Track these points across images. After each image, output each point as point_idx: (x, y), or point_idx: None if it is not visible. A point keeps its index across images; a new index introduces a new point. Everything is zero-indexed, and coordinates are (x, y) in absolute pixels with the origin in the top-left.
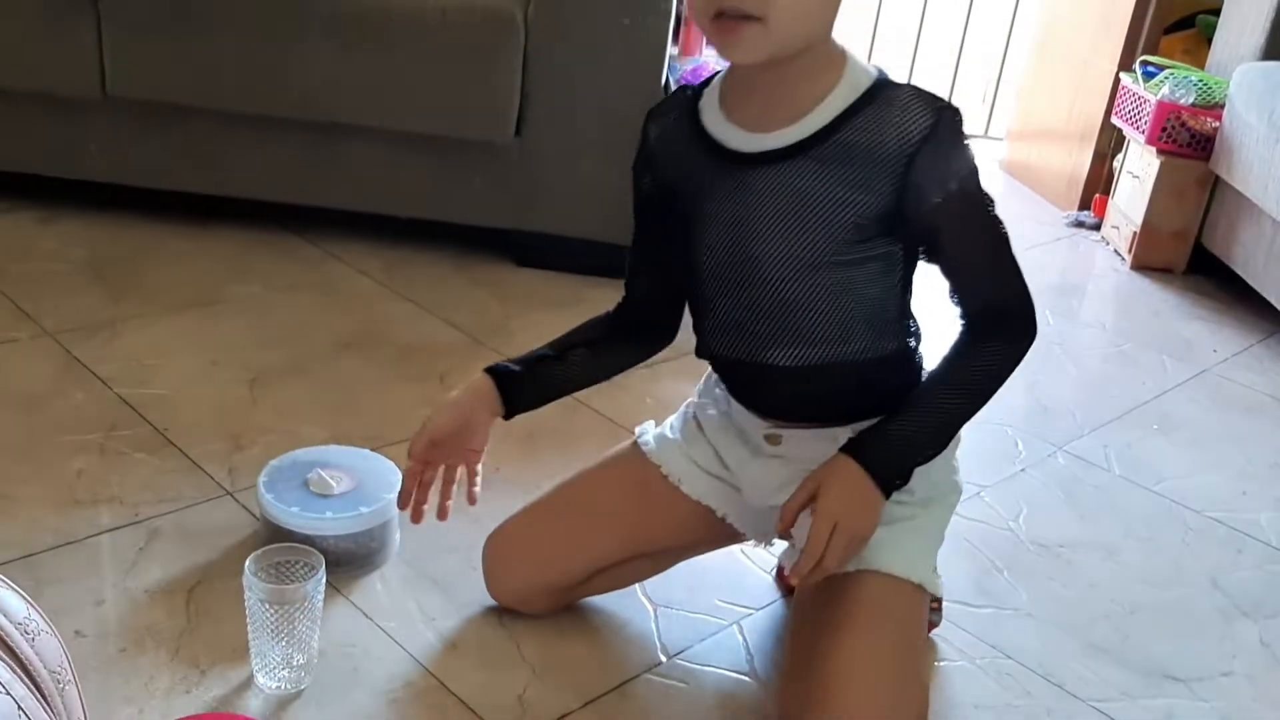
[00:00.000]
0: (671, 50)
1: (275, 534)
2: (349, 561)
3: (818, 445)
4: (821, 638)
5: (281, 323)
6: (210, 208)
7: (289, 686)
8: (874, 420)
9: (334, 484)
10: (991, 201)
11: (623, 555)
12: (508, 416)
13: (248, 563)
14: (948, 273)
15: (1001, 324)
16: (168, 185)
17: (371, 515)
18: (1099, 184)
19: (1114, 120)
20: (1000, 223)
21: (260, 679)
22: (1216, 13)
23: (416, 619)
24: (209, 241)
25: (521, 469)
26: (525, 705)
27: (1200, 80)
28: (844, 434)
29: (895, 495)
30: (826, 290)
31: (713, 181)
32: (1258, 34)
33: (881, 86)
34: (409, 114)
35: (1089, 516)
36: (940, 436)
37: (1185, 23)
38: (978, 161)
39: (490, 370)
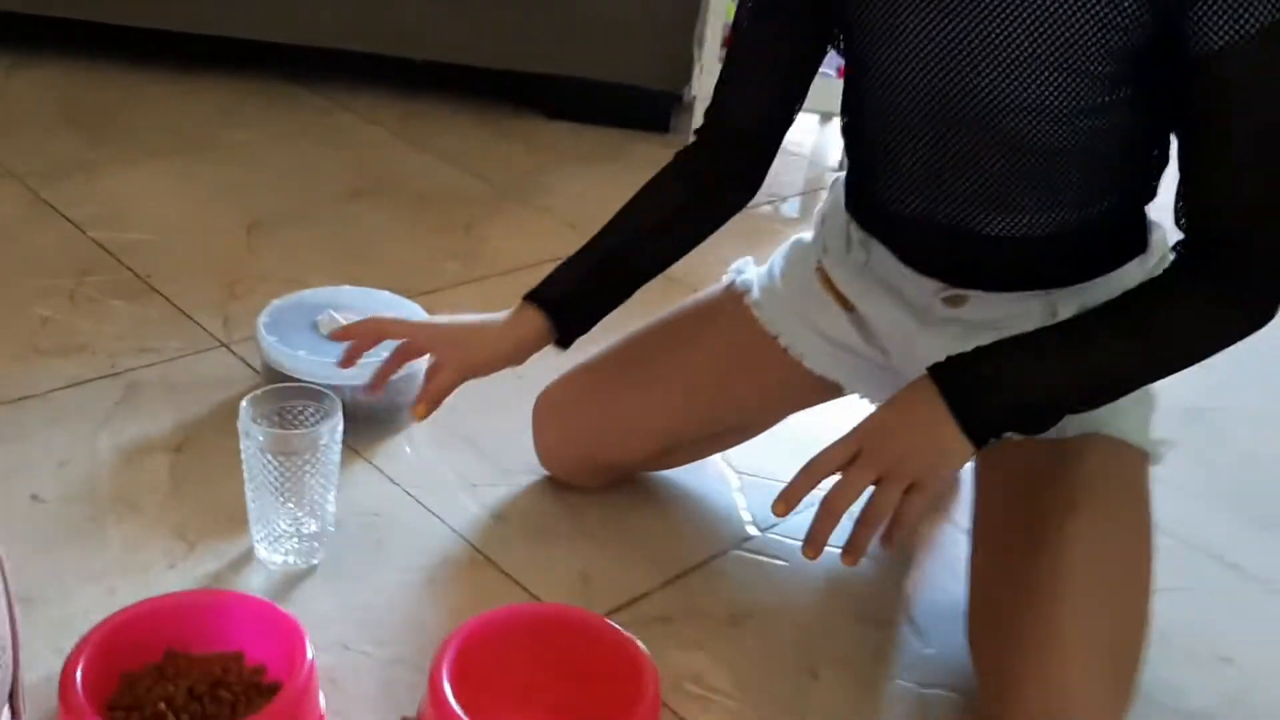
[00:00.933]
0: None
1: (279, 383)
2: (370, 418)
3: (1016, 306)
4: (1035, 531)
5: (282, 169)
6: (199, 51)
7: (298, 560)
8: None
9: None
10: None
11: (704, 432)
12: (564, 347)
13: (243, 405)
14: (1193, 160)
15: (1236, 271)
16: (151, 24)
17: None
18: None
19: None
20: None
21: (262, 551)
22: None
23: (453, 485)
24: (198, 87)
25: None
26: (590, 583)
27: None
28: (1059, 297)
29: None
30: (1067, 142)
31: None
32: None
33: None
34: None
35: (1235, 379)
36: (1082, 387)
37: None
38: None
39: (537, 299)
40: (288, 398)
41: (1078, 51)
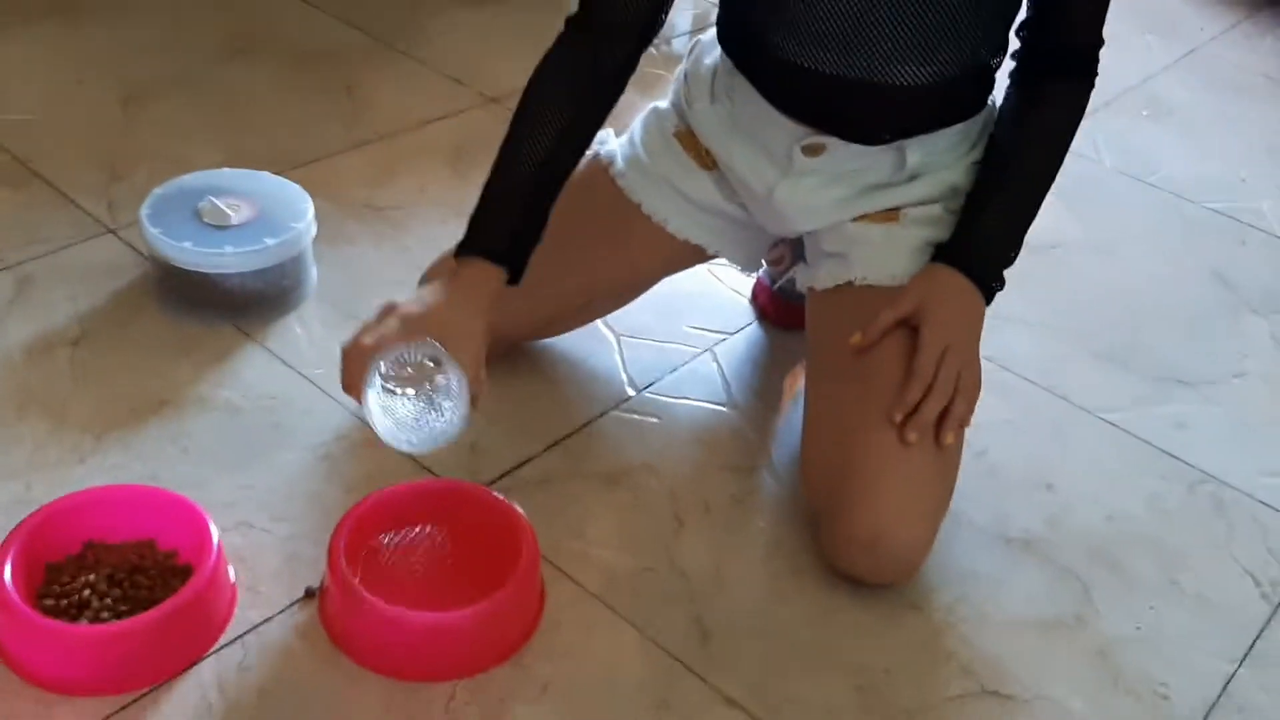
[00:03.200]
0: None
1: (167, 274)
2: (259, 303)
3: (867, 158)
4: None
5: (153, 29)
6: None
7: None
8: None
9: (230, 213)
10: None
11: (579, 300)
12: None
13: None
14: None
15: (1068, 63)
16: None
17: (279, 248)
18: None
19: None
20: None
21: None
22: None
23: None
24: None
25: (451, 189)
26: (479, 453)
27: None
28: (908, 147)
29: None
30: None
31: None
32: None
33: None
34: None
35: (1082, 214)
36: (1033, 211)
37: None
38: None
39: (476, 249)
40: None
41: None
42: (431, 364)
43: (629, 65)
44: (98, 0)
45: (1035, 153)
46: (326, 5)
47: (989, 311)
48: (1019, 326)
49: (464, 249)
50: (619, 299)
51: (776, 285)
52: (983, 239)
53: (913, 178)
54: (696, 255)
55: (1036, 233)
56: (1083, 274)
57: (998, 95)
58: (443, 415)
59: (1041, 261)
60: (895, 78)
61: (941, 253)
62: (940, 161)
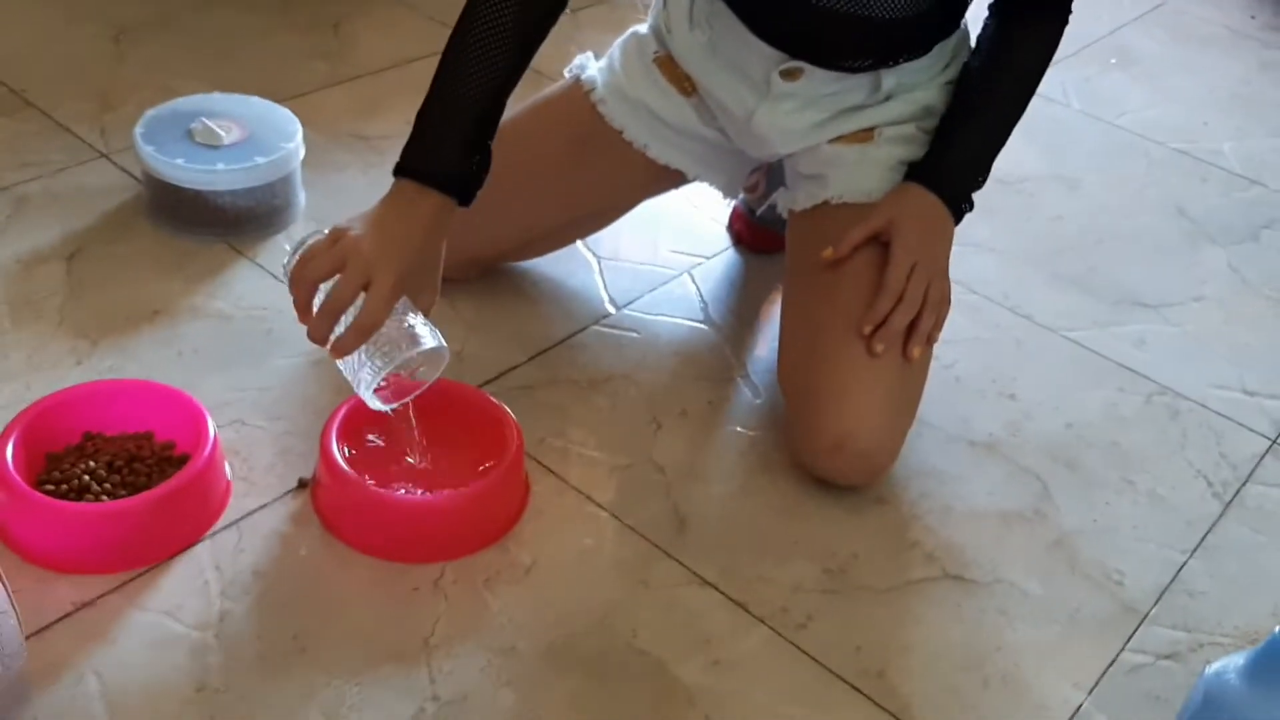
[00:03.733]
0: None
1: (160, 191)
2: (249, 220)
3: (843, 82)
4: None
5: None
6: None
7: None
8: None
9: (222, 133)
10: None
11: (563, 221)
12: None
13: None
14: None
15: (1042, 2)
16: None
17: (269, 167)
18: None
19: None
20: None
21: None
22: None
23: None
24: None
25: None
26: (464, 361)
27: None
28: (882, 74)
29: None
30: None
31: None
32: None
33: None
34: None
35: (1050, 151)
36: (1002, 140)
37: None
38: None
39: (418, 176)
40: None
41: None
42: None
43: None
44: None
45: (1007, 86)
46: None
47: (959, 238)
48: (987, 253)
49: (412, 173)
50: (599, 221)
51: (757, 213)
52: (953, 162)
53: (887, 98)
54: (676, 179)
55: (1005, 166)
56: (1049, 206)
57: (970, 17)
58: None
59: (1009, 193)
60: (874, 10)
61: (913, 172)
62: (914, 82)
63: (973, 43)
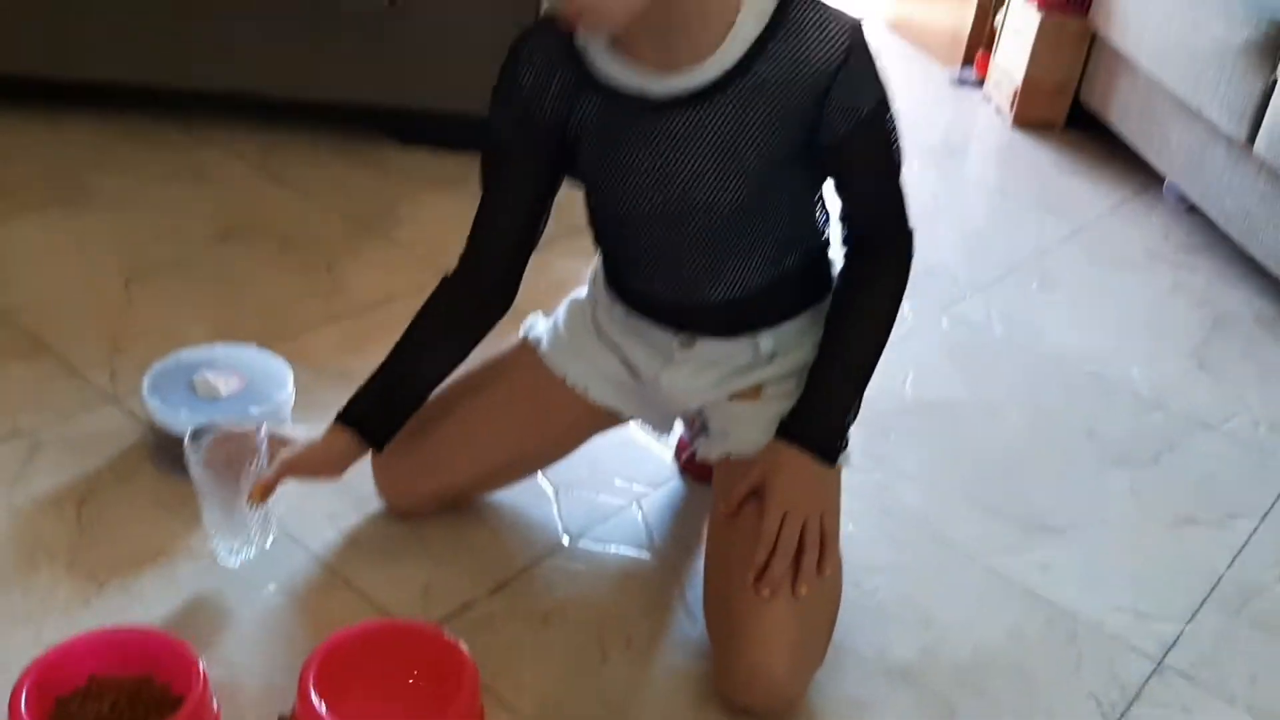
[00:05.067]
0: None
1: (164, 441)
2: None
3: (729, 347)
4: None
5: (153, 215)
6: (64, 94)
7: (254, 552)
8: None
9: (221, 387)
10: (896, 129)
11: (515, 460)
12: (380, 450)
13: (188, 435)
14: (843, 194)
15: (889, 245)
16: (13, 69)
17: (263, 416)
18: (981, 41)
19: None
20: (900, 150)
21: (223, 555)
22: None
23: (317, 519)
24: (65, 131)
25: None
26: (430, 596)
27: None
28: (761, 336)
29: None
30: (760, 222)
31: (624, 130)
32: None
33: (786, 7)
34: None
35: (973, 377)
36: (864, 381)
37: None
38: (886, 85)
39: (345, 420)
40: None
41: (750, 161)
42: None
43: (502, 292)
44: (97, 186)
45: (860, 330)
46: (310, 190)
47: (882, 466)
48: (910, 481)
49: (337, 416)
50: (549, 459)
51: (700, 455)
52: (816, 412)
53: (771, 358)
54: (615, 418)
55: (928, 392)
56: (969, 431)
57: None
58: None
59: (934, 419)
60: (719, 295)
61: (781, 428)
62: (792, 343)
63: None
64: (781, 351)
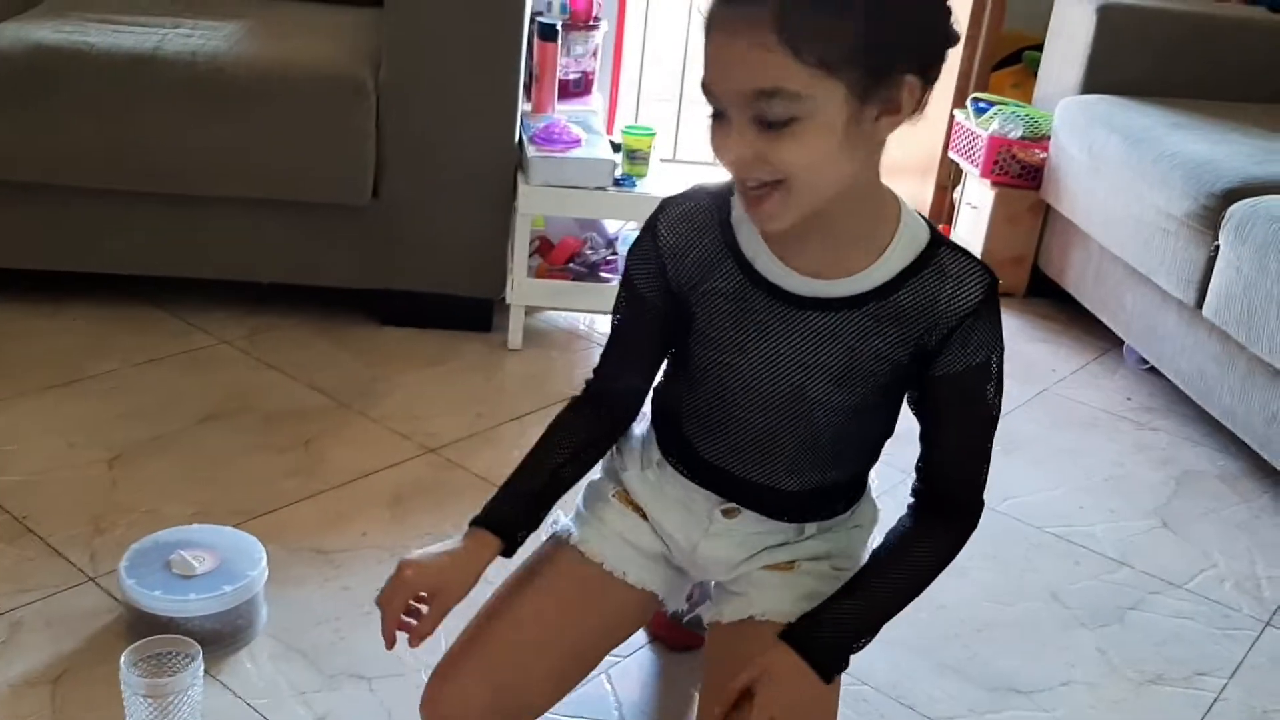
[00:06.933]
0: (524, 107)
1: (139, 618)
2: (215, 641)
3: (775, 524)
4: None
5: (142, 398)
6: (64, 284)
7: None
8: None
9: (196, 565)
10: (999, 390)
11: (580, 667)
12: (510, 556)
13: (123, 657)
14: (930, 441)
15: (956, 511)
16: (16, 264)
17: (236, 593)
18: (941, 215)
19: (951, 155)
20: (997, 411)
21: None
22: (1040, 49)
23: (286, 694)
24: (65, 319)
25: (389, 533)
26: None
27: (1027, 115)
28: (805, 525)
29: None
30: (860, 428)
31: (755, 312)
32: (1076, 68)
33: (936, 246)
34: (264, 182)
35: None
36: (882, 622)
37: (1013, 58)
38: (1003, 347)
39: (485, 524)
40: (158, 646)
41: (867, 372)
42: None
43: (629, 412)
44: (92, 372)
45: (898, 577)
46: (293, 371)
47: None
48: (877, 644)
49: (476, 520)
50: (600, 653)
51: (684, 620)
52: (825, 629)
53: (808, 537)
54: (651, 608)
55: None
56: (936, 593)
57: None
58: None
59: None
60: (790, 485)
61: (787, 631)
62: (831, 524)
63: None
64: (820, 531)
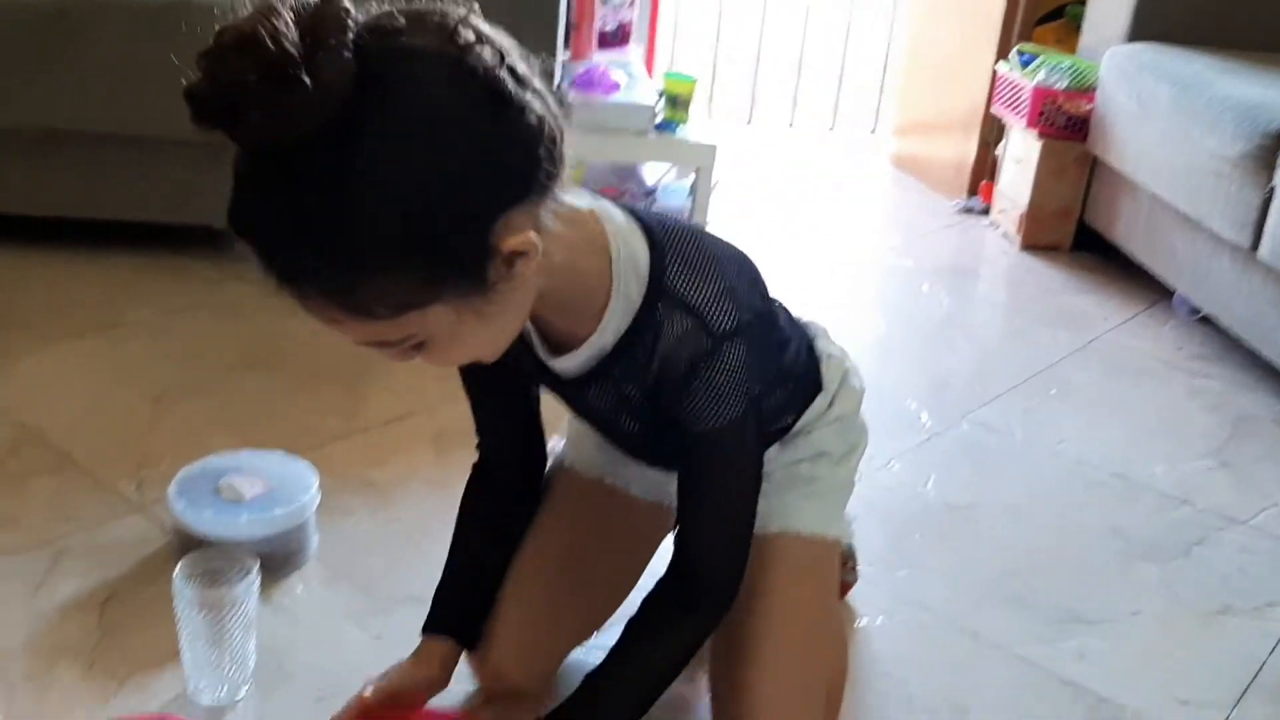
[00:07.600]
0: (563, 55)
1: (188, 544)
2: (267, 565)
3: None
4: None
5: (181, 343)
6: (100, 231)
7: (226, 698)
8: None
9: (245, 490)
10: (740, 458)
11: (628, 585)
12: (471, 649)
13: (177, 569)
14: (679, 504)
15: (701, 597)
16: (54, 212)
17: (287, 517)
18: (984, 171)
19: (994, 109)
20: (750, 481)
21: (195, 692)
22: (1084, 3)
23: (341, 616)
24: (99, 268)
25: (436, 468)
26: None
27: (1073, 65)
28: None
29: (803, 457)
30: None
31: (555, 388)
32: (1123, 18)
33: (657, 298)
34: None
35: (995, 479)
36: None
37: (1055, 14)
38: (738, 407)
39: (434, 629)
40: (212, 560)
41: (652, 409)
42: None
43: (533, 475)
44: (135, 320)
45: (635, 689)
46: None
47: (909, 563)
48: (937, 575)
49: (426, 628)
50: (633, 573)
51: None
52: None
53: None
54: (667, 516)
55: (950, 494)
56: (994, 531)
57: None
58: None
59: (958, 520)
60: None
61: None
62: (803, 428)
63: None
64: (795, 437)
